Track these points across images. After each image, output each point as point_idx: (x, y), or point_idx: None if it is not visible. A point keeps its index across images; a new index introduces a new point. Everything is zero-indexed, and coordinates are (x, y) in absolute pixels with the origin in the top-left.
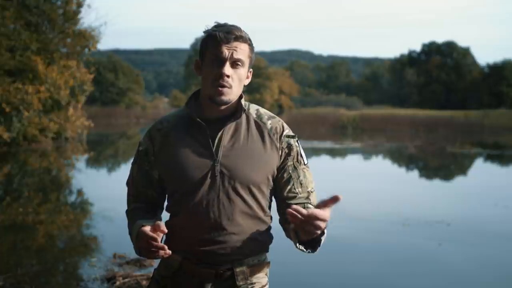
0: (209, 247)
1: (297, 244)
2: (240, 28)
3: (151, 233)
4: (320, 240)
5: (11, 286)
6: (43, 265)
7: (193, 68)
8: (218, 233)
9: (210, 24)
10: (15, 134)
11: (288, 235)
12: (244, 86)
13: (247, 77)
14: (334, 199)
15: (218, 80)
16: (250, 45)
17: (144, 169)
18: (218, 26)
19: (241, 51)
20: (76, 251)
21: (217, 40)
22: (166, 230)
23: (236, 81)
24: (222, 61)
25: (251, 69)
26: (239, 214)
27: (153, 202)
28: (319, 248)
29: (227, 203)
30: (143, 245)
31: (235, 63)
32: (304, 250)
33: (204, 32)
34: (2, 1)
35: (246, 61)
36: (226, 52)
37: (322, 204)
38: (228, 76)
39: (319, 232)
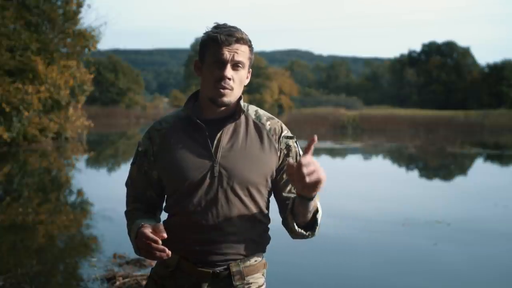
0: (206, 247)
1: (297, 228)
2: (240, 30)
3: (151, 235)
4: (316, 219)
5: (11, 286)
6: (43, 265)
7: (192, 68)
8: (215, 233)
9: (210, 25)
10: (15, 134)
11: (289, 228)
12: (244, 86)
13: (247, 77)
14: (312, 141)
15: (219, 82)
16: (250, 47)
17: (143, 170)
18: (218, 28)
19: (242, 53)
20: (76, 251)
21: (218, 42)
22: (165, 236)
23: (237, 82)
24: (223, 64)
25: (250, 69)
26: (237, 214)
27: (152, 203)
28: (317, 228)
29: (225, 204)
30: (143, 246)
31: (236, 65)
32: (304, 232)
33: (205, 33)
34: (2, 1)
35: (246, 63)
36: (227, 54)
37: (305, 151)
38: (229, 79)
39: (314, 180)
